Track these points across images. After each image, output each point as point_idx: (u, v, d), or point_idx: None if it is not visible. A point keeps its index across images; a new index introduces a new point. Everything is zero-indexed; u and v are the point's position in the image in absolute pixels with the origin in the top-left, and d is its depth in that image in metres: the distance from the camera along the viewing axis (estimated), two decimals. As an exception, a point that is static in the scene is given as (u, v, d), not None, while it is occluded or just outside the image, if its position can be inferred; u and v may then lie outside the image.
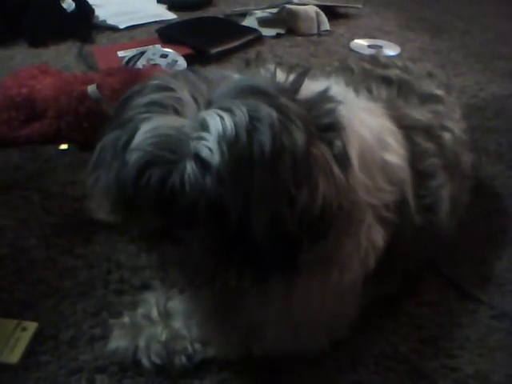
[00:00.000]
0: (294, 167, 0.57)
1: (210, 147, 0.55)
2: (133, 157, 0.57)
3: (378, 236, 0.69)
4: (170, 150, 0.56)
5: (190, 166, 0.55)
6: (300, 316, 0.70)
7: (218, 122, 0.55)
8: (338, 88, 0.78)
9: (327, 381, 0.73)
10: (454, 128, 0.86)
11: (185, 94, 0.58)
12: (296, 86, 0.62)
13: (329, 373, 0.74)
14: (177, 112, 0.57)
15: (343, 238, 0.65)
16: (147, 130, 0.57)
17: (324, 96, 0.63)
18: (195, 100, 0.57)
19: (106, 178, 0.62)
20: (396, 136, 0.74)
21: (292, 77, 0.63)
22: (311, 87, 0.64)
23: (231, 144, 0.55)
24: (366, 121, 0.70)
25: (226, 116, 0.55)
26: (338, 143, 0.60)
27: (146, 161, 0.56)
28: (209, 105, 0.57)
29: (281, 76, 0.63)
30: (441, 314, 0.83)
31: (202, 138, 0.55)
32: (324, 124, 0.61)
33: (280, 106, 0.57)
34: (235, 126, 0.55)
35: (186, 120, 0.56)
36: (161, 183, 0.56)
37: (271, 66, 0.66)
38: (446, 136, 0.83)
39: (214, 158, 0.54)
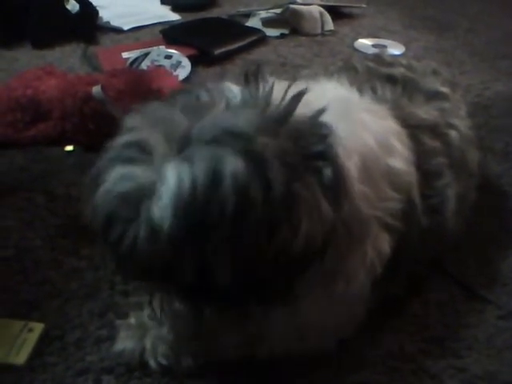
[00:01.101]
0: (266, 214, 0.54)
1: (162, 209, 0.52)
2: (98, 209, 0.56)
3: (385, 243, 0.69)
4: (128, 208, 0.54)
5: (142, 230, 0.53)
6: (305, 323, 0.69)
7: (175, 178, 0.52)
8: (341, 90, 0.78)
9: (332, 381, 0.73)
10: (460, 125, 0.85)
11: (155, 138, 0.55)
12: (287, 112, 0.59)
13: (334, 373, 0.74)
14: (143, 161, 0.54)
15: (346, 253, 0.65)
16: (111, 181, 0.55)
17: (314, 123, 0.60)
18: (168, 142, 0.55)
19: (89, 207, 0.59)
20: (401, 137, 0.74)
21: (287, 98, 0.60)
22: (306, 108, 0.61)
23: (186, 205, 0.52)
24: (369, 124, 0.69)
25: (185, 170, 0.53)
26: (327, 173, 0.58)
27: (106, 215, 0.55)
28: (179, 150, 0.54)
29: (277, 94, 0.61)
30: (447, 314, 0.83)
31: (157, 197, 0.53)
32: (313, 153, 0.58)
33: (253, 152, 0.54)
34: (193, 182, 0.52)
35: (148, 172, 0.54)
36: (118, 240, 0.55)
37: (270, 81, 0.63)
38: (452, 134, 0.83)
39: (166, 223, 0.52)
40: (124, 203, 0.54)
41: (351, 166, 0.62)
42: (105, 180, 0.56)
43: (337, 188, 0.59)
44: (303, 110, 0.61)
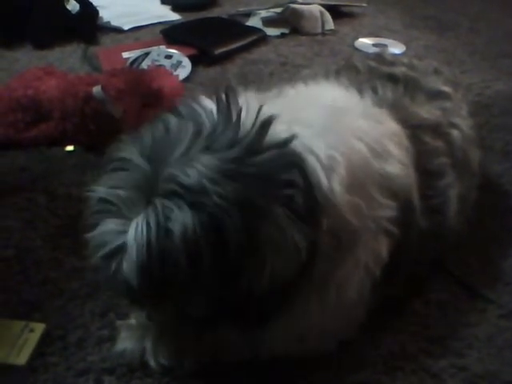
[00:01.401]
0: (221, 264, 0.57)
1: (128, 269, 0.58)
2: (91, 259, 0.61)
3: (382, 248, 0.69)
4: (108, 263, 0.59)
5: (119, 284, 0.59)
6: (304, 327, 0.70)
7: (133, 234, 0.57)
8: (338, 93, 0.78)
9: (333, 381, 0.73)
10: (462, 125, 0.85)
11: (124, 193, 0.58)
12: (252, 146, 0.60)
13: (334, 373, 0.74)
14: (119, 214, 0.58)
15: (336, 262, 0.66)
16: (95, 235, 0.60)
17: (281, 152, 0.60)
18: (135, 194, 0.58)
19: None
20: (400, 140, 0.73)
21: (255, 127, 0.61)
22: (279, 125, 0.62)
23: (144, 266, 0.57)
24: (363, 131, 0.69)
25: (143, 226, 0.56)
26: (297, 200, 0.59)
27: (96, 265, 0.61)
28: (144, 204, 0.58)
29: (248, 120, 0.61)
30: (448, 314, 0.83)
31: (125, 257, 0.58)
32: (281, 183, 0.59)
33: (204, 204, 0.56)
34: (148, 243, 0.56)
35: (120, 228, 0.58)
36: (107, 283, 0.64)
37: (241, 101, 0.64)
38: (455, 133, 0.83)
39: (133, 281, 0.58)
40: (105, 259, 0.59)
41: (334, 180, 0.63)
42: (90, 237, 0.61)
43: (311, 210, 0.60)
44: (287, 123, 0.63)
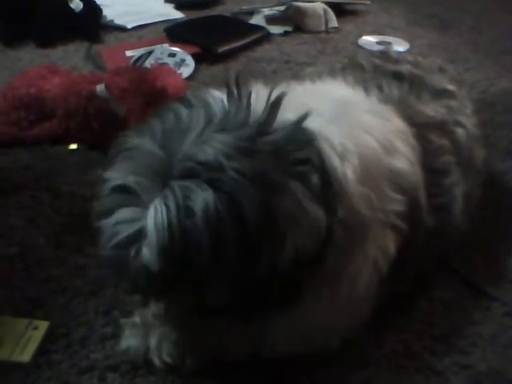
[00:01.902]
0: (243, 243, 0.56)
1: (149, 254, 0.56)
2: (103, 250, 0.60)
3: (390, 243, 0.69)
4: (124, 251, 0.58)
5: (139, 270, 0.57)
6: (309, 324, 0.69)
7: (153, 219, 0.55)
8: (344, 90, 0.78)
9: (338, 379, 0.73)
10: (467, 123, 0.85)
11: (139, 180, 0.57)
12: (266, 123, 0.60)
13: (340, 371, 0.73)
14: (133, 204, 0.57)
15: (348, 255, 0.65)
16: (109, 225, 0.58)
17: (296, 129, 0.60)
18: (150, 180, 0.57)
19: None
20: (406, 138, 0.73)
21: (268, 105, 0.60)
22: (301, 110, 0.62)
23: (166, 244, 0.55)
24: (371, 126, 0.69)
25: (163, 210, 0.55)
26: (313, 178, 0.59)
27: (107, 258, 0.61)
28: (160, 188, 0.57)
29: (260, 103, 0.61)
30: (453, 311, 0.82)
31: (144, 243, 0.56)
32: (296, 160, 0.59)
33: (223, 181, 0.55)
34: (168, 221, 0.55)
35: (137, 215, 0.57)
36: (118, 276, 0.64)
37: (252, 87, 0.64)
38: (460, 132, 0.82)
39: (154, 266, 0.56)
40: (120, 248, 0.58)
41: (347, 168, 0.62)
42: (103, 227, 0.59)
43: (326, 192, 0.59)
44: (296, 111, 0.62)
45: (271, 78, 1.44)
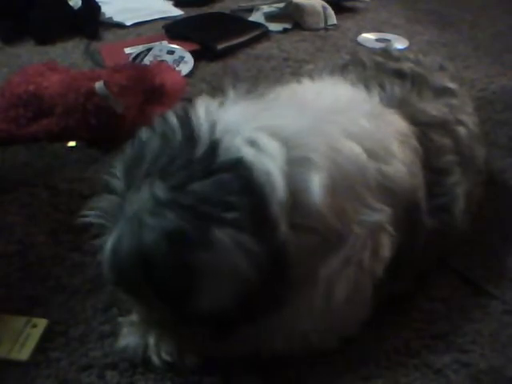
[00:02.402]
0: (157, 289, 0.62)
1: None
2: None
3: (381, 247, 0.67)
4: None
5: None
6: (304, 326, 0.69)
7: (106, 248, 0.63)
8: (343, 90, 0.77)
9: (338, 376, 0.73)
10: (468, 122, 0.84)
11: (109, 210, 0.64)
12: (206, 164, 0.61)
13: (339, 368, 0.73)
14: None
15: (320, 261, 0.65)
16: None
17: (229, 174, 0.60)
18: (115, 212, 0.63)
19: None
20: (407, 139, 0.72)
21: (209, 144, 0.62)
22: (236, 143, 0.62)
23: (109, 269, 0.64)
24: (362, 131, 0.68)
25: (112, 241, 0.62)
26: (243, 221, 0.59)
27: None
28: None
29: (203, 136, 0.62)
30: (453, 309, 0.82)
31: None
32: (227, 205, 0.59)
33: (138, 235, 0.60)
34: (106, 257, 0.63)
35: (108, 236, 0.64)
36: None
37: (203, 114, 0.65)
38: (461, 131, 0.82)
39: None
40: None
41: (313, 182, 0.62)
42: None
43: (265, 226, 0.60)
44: (298, 117, 0.65)
45: (270, 76, 1.44)
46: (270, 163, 0.61)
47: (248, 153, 0.61)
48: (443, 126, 0.80)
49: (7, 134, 1.16)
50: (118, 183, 0.64)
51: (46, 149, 1.15)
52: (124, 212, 0.62)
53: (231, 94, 0.69)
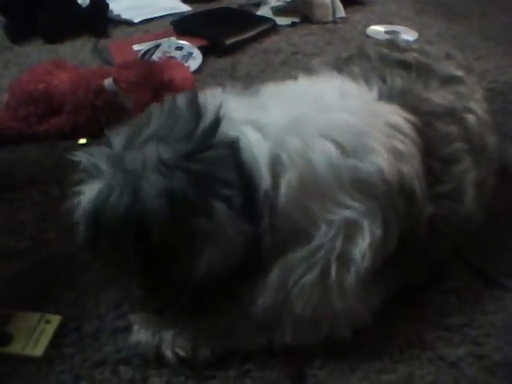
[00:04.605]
0: (147, 251, 0.64)
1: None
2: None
3: (356, 241, 0.68)
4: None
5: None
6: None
7: (85, 201, 0.66)
8: (332, 87, 0.77)
9: (351, 370, 0.73)
10: (477, 109, 0.84)
11: (103, 159, 0.67)
12: (205, 140, 0.65)
13: (353, 361, 0.73)
14: (90, 177, 0.67)
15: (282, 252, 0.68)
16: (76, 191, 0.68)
17: (227, 151, 0.65)
18: (105, 164, 0.67)
19: None
20: (396, 131, 0.72)
21: (211, 123, 0.66)
22: (229, 131, 0.66)
23: (87, 226, 0.66)
24: (345, 128, 0.69)
25: (92, 195, 0.65)
26: (236, 201, 0.64)
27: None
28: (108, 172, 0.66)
29: (208, 113, 0.67)
30: (466, 302, 0.82)
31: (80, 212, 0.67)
32: (224, 181, 0.64)
33: (137, 190, 0.62)
34: (89, 210, 0.65)
35: (87, 187, 0.67)
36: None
37: (209, 99, 0.69)
38: (470, 118, 0.81)
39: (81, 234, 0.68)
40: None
41: (281, 182, 0.65)
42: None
43: (249, 211, 0.64)
44: (250, 120, 0.68)
45: (279, 70, 1.44)
46: (259, 155, 0.65)
47: (242, 139, 0.66)
48: (450, 114, 0.80)
49: (18, 133, 1.17)
50: (116, 140, 0.67)
51: (56, 146, 1.15)
52: (119, 166, 0.64)
53: (229, 88, 0.73)
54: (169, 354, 0.72)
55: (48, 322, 0.77)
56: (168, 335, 0.73)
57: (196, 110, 0.68)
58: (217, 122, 0.66)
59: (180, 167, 0.63)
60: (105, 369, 0.72)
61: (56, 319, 0.78)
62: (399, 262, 0.71)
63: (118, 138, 0.67)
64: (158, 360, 0.73)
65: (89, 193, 0.65)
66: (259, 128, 0.67)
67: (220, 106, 0.67)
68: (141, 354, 0.73)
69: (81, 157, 0.68)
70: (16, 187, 1.03)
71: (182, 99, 0.70)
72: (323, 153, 0.67)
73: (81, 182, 0.67)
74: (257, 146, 0.66)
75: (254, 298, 0.69)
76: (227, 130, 0.66)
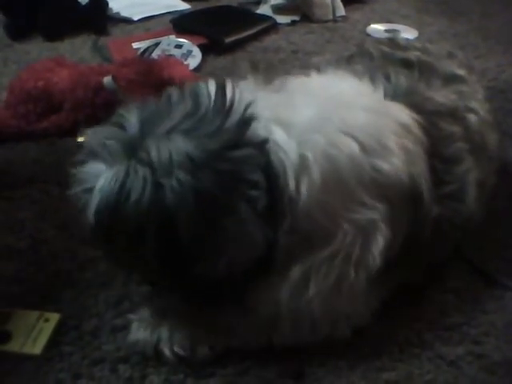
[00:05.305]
0: (171, 245, 0.62)
1: (91, 209, 0.64)
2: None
3: (375, 243, 0.68)
4: (81, 198, 0.66)
5: (85, 220, 0.65)
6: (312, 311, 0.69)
7: (101, 188, 0.62)
8: (347, 84, 0.77)
9: (351, 369, 0.72)
10: (479, 109, 0.84)
11: (116, 141, 0.64)
12: (233, 139, 0.63)
13: (352, 360, 0.73)
14: (102, 159, 0.64)
15: (301, 258, 0.67)
16: (80, 172, 0.66)
17: (256, 152, 0.64)
18: (122, 147, 0.64)
19: None
20: (407, 132, 0.72)
21: (241, 120, 0.64)
22: (258, 128, 0.65)
23: (100, 215, 0.63)
24: (359, 126, 0.68)
25: (110, 183, 0.61)
26: (261, 202, 0.63)
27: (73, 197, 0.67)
28: (124, 159, 0.63)
29: (236, 113, 0.65)
30: (466, 301, 0.82)
31: (91, 198, 0.63)
32: (250, 182, 0.63)
33: (162, 185, 0.61)
34: (107, 197, 0.62)
35: (99, 170, 0.64)
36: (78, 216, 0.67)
37: (237, 92, 0.67)
38: (471, 118, 0.81)
39: (91, 222, 0.65)
40: (80, 194, 0.66)
41: (304, 181, 0.65)
42: (77, 171, 0.67)
43: (273, 213, 0.64)
44: (274, 119, 0.66)
45: (280, 68, 1.44)
46: (286, 157, 0.65)
47: (270, 139, 0.65)
48: (452, 113, 0.80)
49: (17, 130, 1.16)
50: (131, 123, 0.64)
51: (56, 144, 1.15)
52: (140, 156, 0.62)
53: (252, 81, 0.72)
54: (167, 352, 0.72)
55: (47, 320, 0.77)
56: (166, 333, 0.73)
57: (223, 102, 0.65)
58: (248, 119, 0.65)
59: (209, 166, 0.62)
60: (104, 367, 0.72)
61: (55, 317, 0.78)
62: (402, 263, 0.71)
63: (132, 120, 0.65)
64: (157, 358, 0.73)
65: (102, 181, 0.62)
66: (287, 127, 0.66)
67: (251, 103, 0.66)
68: (140, 352, 0.73)
69: (90, 137, 0.67)
70: (15, 186, 1.03)
71: (204, 87, 0.67)
72: (346, 151, 0.67)
73: (89, 165, 0.65)
74: (284, 147, 0.65)
75: (257, 296, 0.69)
76: (256, 128, 0.65)
